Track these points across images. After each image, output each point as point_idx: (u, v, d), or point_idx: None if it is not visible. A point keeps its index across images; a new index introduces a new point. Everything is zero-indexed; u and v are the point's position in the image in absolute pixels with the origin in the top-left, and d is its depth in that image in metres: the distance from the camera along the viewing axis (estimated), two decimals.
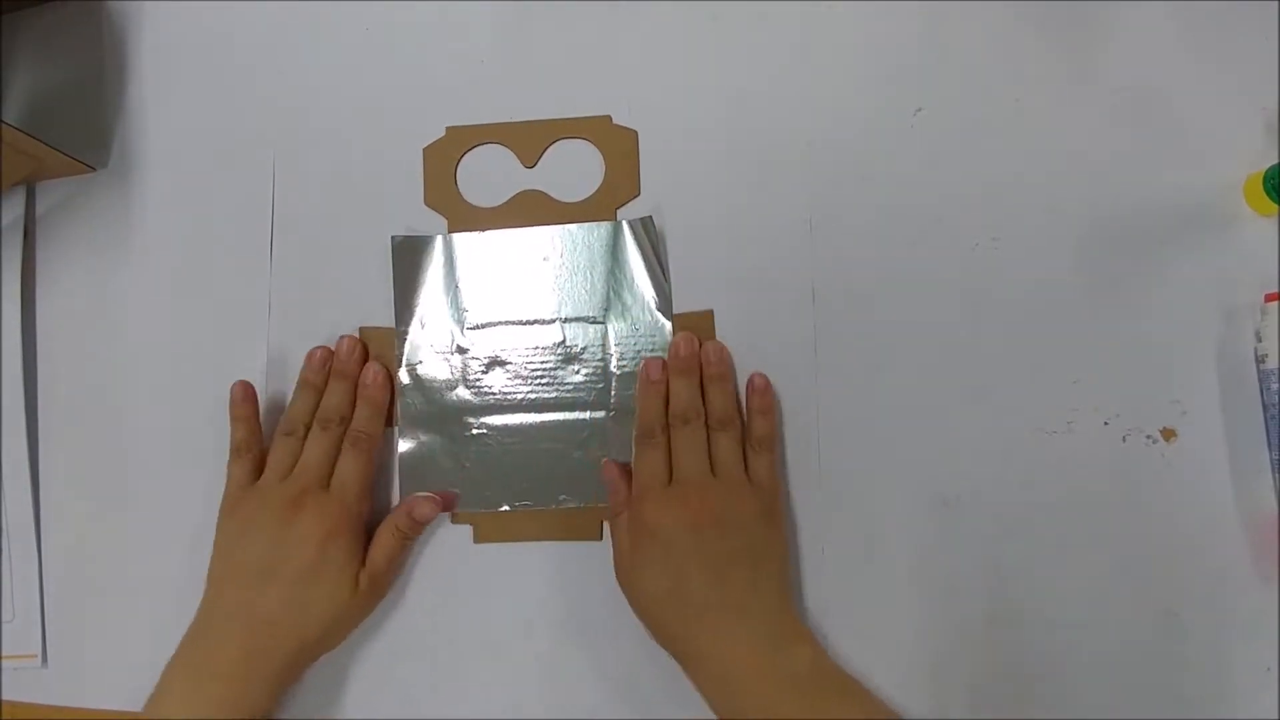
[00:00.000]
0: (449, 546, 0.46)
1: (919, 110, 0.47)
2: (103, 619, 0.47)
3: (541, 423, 0.46)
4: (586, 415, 0.46)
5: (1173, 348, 0.44)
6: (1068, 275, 0.45)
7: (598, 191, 0.48)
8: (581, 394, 0.46)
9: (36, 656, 0.47)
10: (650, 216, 0.47)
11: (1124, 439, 0.44)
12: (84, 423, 0.49)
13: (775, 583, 0.41)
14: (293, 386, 0.46)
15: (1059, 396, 0.44)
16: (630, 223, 0.47)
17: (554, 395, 0.46)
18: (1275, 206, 0.44)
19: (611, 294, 0.47)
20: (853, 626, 0.43)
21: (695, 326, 0.46)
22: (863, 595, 0.43)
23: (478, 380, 0.47)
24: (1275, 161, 0.43)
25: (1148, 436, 0.44)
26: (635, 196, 0.47)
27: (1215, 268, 0.45)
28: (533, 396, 0.46)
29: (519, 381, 0.47)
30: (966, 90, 0.47)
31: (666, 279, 0.47)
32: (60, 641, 0.47)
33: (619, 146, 0.48)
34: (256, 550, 0.41)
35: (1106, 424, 0.44)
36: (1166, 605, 0.42)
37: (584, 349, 0.46)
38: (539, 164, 0.48)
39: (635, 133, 0.48)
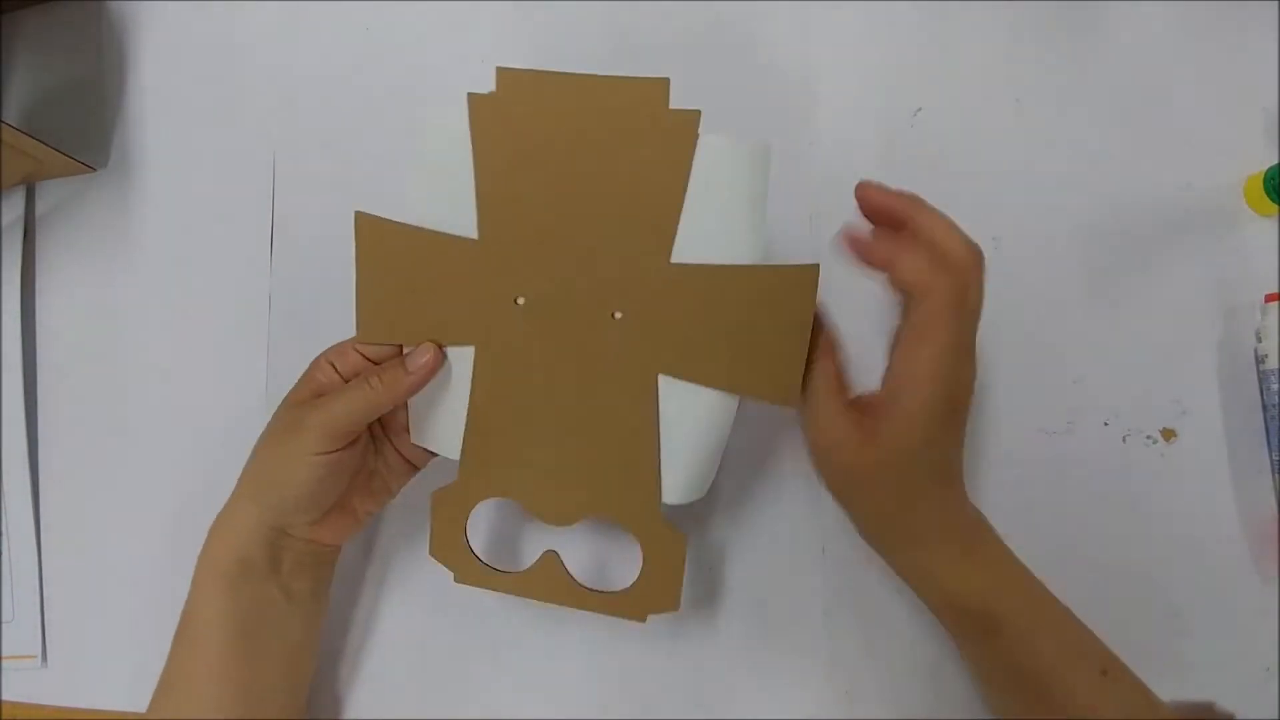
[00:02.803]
0: None
1: (919, 110, 0.47)
2: (103, 619, 0.47)
3: None
4: None
5: (1173, 348, 0.44)
6: (1068, 275, 0.45)
7: None
8: None
9: (36, 656, 0.47)
10: None
11: (1124, 439, 0.44)
12: (84, 423, 0.49)
13: None
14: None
15: (1059, 396, 0.44)
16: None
17: None
18: (1275, 206, 0.44)
19: None
20: (853, 626, 0.43)
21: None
22: (863, 595, 0.43)
23: None
24: (1275, 161, 0.43)
25: (1148, 436, 0.44)
26: None
27: (1215, 268, 0.45)
28: None
29: None
30: (966, 90, 0.47)
31: None
32: (60, 641, 0.47)
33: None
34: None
35: (1106, 424, 0.44)
36: (1167, 605, 0.42)
37: None
38: None
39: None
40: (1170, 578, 0.42)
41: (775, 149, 0.36)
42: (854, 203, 0.46)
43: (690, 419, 0.37)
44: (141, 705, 0.40)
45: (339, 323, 0.48)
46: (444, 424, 0.39)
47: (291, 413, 0.39)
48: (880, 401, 0.35)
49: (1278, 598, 0.42)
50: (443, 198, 0.37)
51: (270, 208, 0.50)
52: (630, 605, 0.38)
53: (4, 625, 0.47)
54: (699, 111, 0.34)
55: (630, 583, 0.38)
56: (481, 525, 0.44)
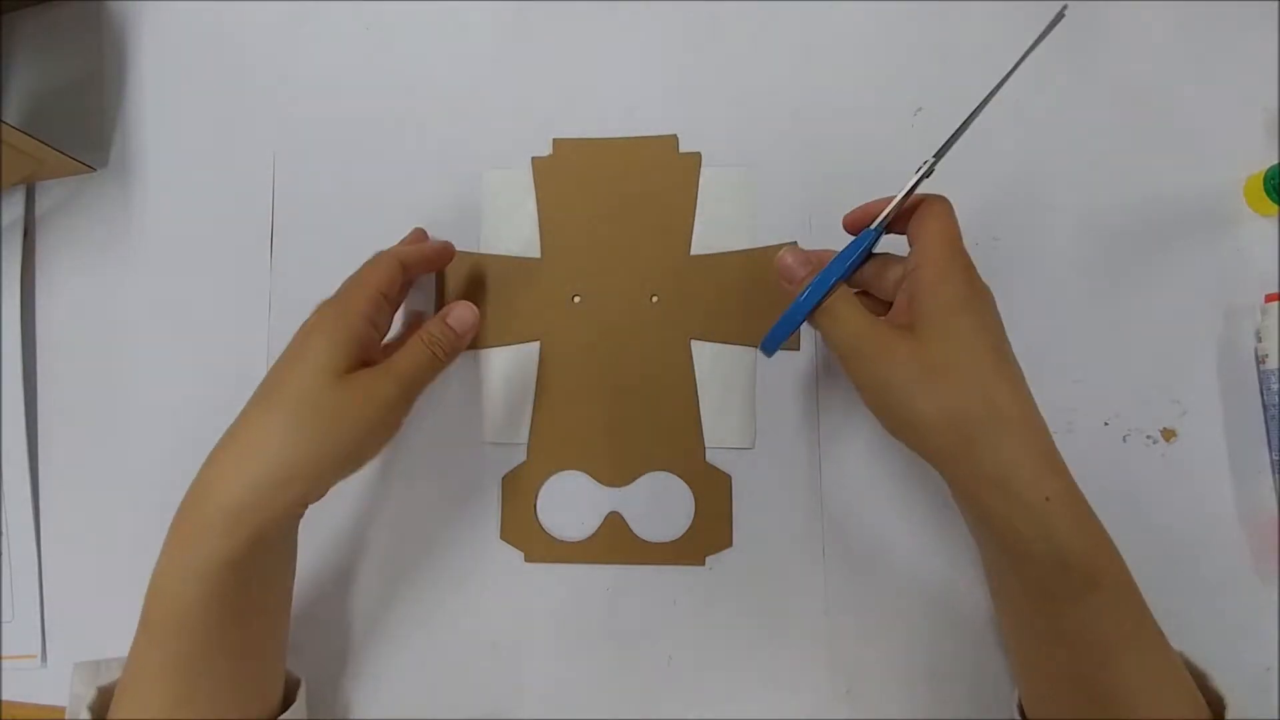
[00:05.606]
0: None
1: (919, 110, 0.47)
2: (103, 619, 0.47)
3: None
4: None
5: (1173, 348, 0.44)
6: (1067, 275, 0.45)
7: None
8: None
9: (36, 656, 0.47)
10: None
11: (1124, 439, 0.44)
12: (84, 423, 0.49)
13: None
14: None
15: (1059, 396, 0.44)
16: None
17: None
18: (1275, 206, 0.44)
19: None
20: (853, 627, 0.43)
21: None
22: (863, 595, 0.43)
23: None
24: (1275, 161, 0.43)
25: (1148, 436, 0.44)
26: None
27: (1215, 268, 0.45)
28: None
29: None
30: (966, 90, 0.47)
31: None
32: (60, 641, 0.47)
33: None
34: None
35: (1106, 424, 0.44)
36: (1166, 605, 0.42)
37: None
38: None
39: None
40: (1170, 578, 0.42)
41: (773, 151, 0.47)
42: (852, 202, 0.47)
43: (720, 372, 0.46)
44: None
45: None
46: (513, 414, 0.46)
47: (349, 381, 0.37)
48: (900, 303, 0.37)
49: (1278, 598, 0.42)
50: (509, 232, 0.47)
51: (270, 208, 0.50)
52: (689, 551, 0.45)
53: (4, 625, 0.47)
54: (700, 154, 0.47)
55: (685, 530, 0.45)
56: (542, 505, 0.46)
